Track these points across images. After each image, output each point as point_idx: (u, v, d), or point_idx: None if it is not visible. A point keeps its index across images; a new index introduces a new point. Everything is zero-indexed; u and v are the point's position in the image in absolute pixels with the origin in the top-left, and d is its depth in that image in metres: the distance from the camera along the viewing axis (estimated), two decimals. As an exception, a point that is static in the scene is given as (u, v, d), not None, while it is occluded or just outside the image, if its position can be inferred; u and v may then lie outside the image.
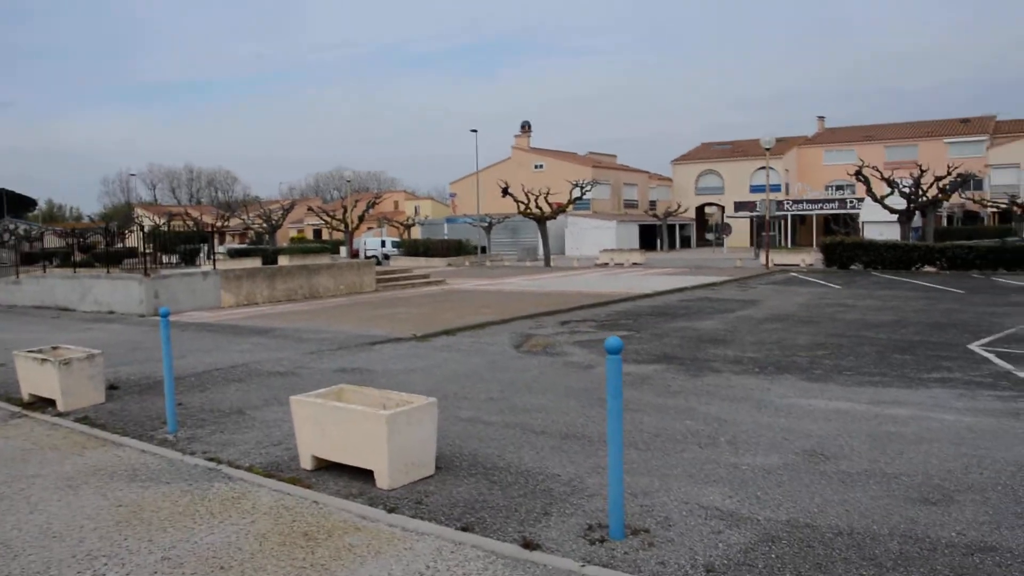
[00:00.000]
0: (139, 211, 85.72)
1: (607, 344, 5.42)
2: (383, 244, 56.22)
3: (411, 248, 53.05)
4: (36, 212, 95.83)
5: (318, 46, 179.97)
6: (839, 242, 34.12)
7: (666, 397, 9.72)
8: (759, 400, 9.47)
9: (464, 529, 5.87)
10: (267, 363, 12.61)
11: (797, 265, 37.21)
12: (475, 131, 59.45)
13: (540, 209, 43.79)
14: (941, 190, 35.98)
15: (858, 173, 36.88)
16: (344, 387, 7.66)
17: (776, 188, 65.93)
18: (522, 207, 44.64)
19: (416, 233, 77.04)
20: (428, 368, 11.92)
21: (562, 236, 65.44)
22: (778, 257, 38.85)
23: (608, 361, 5.49)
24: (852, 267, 33.41)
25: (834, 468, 7.00)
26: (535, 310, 19.32)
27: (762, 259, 41.11)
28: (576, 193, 49.44)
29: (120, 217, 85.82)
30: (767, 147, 37.58)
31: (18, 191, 58.94)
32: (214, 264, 25.08)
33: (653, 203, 78.26)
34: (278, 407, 9.56)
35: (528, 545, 5.56)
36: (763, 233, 47.70)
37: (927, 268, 31.48)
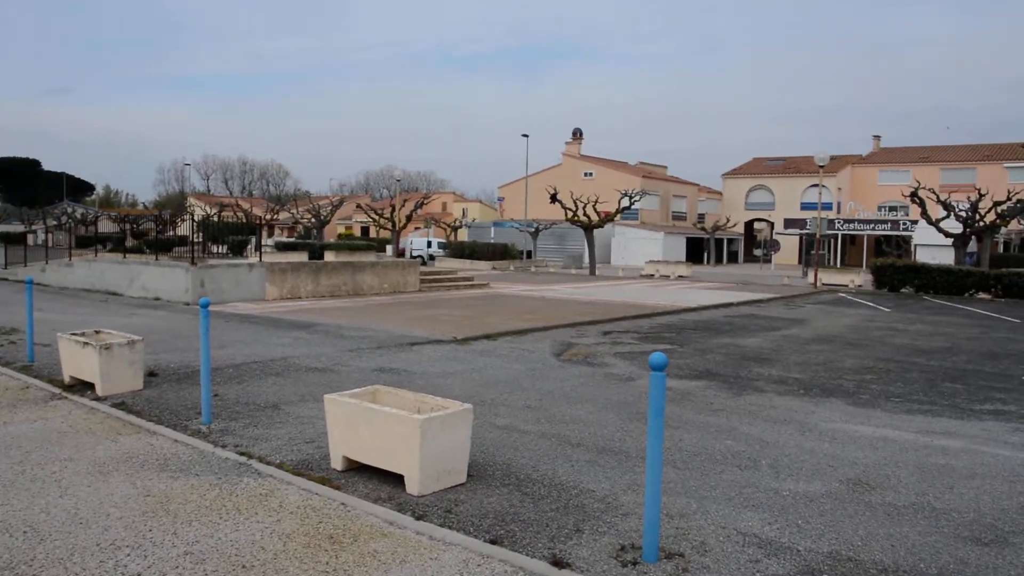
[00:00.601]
0: (192, 200, 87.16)
1: (652, 360, 5.22)
2: (429, 245, 56.50)
3: (457, 250, 53.17)
4: (93, 197, 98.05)
5: (364, 44, 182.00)
6: (890, 264, 33.41)
7: (707, 415, 9.48)
8: (803, 423, 9.19)
9: (492, 542, 5.71)
10: (306, 358, 12.60)
11: (846, 285, 36.54)
12: (526, 136, 59.53)
13: (588, 217, 43.56)
14: (999, 215, 35.04)
15: (913, 195, 36.07)
16: (379, 388, 7.54)
17: (828, 207, 64.91)
18: (570, 214, 44.46)
19: (463, 235, 77.25)
20: (466, 372, 11.81)
21: (608, 245, 65.16)
22: (827, 276, 38.18)
23: (652, 378, 5.29)
24: (903, 290, 32.67)
25: (880, 499, 6.71)
26: (578, 319, 19.20)
27: (810, 278, 40.46)
28: (625, 203, 49.12)
29: (173, 205, 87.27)
30: (821, 164, 36.95)
31: (78, 175, 60.09)
32: (260, 256, 25.31)
33: (702, 216, 77.56)
34: (313, 404, 9.50)
35: (558, 563, 5.38)
36: (812, 251, 47.00)
37: (981, 295, 30.66)
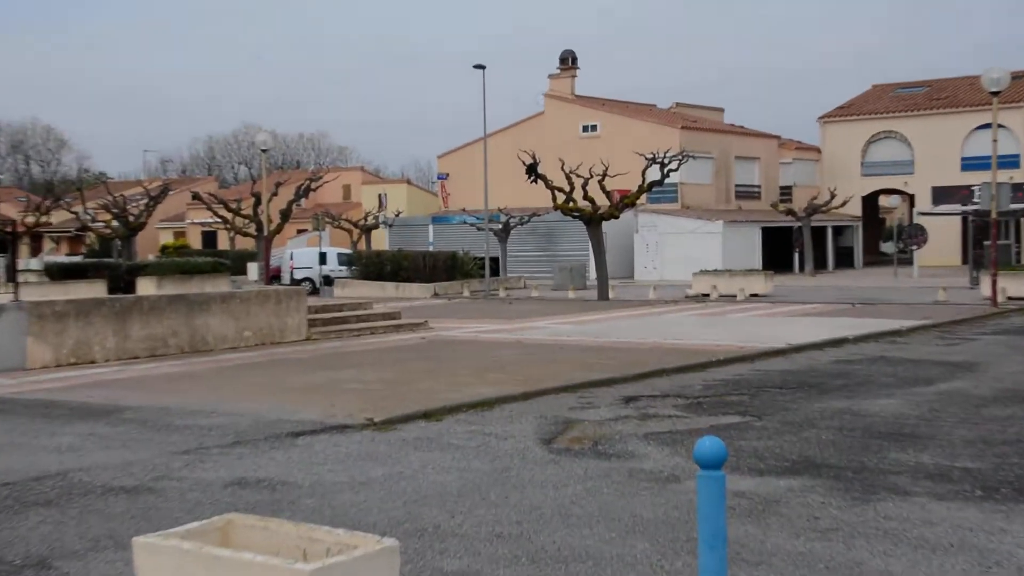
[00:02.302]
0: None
1: (699, 451, 5.18)
2: (323, 259, 56.55)
3: (371, 266, 53.28)
4: None
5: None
6: None
7: (810, 539, 9.45)
8: (985, 551, 9.15)
9: None
10: (103, 471, 12.47)
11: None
12: (481, 67, 59.44)
13: (592, 202, 43.85)
14: None
15: None
16: (235, 519, 7.43)
17: (1011, 162, 65.46)
18: (560, 197, 44.63)
19: (380, 239, 77.49)
20: (390, 480, 11.73)
21: (629, 247, 65.51)
22: (1013, 285, 38.33)
23: (702, 480, 5.25)
24: None
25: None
26: (581, 376, 19.25)
27: (984, 288, 40.54)
28: (654, 173, 49.30)
29: None
30: (995, 89, 35.78)
31: None
32: (16, 291, 25.09)
33: (786, 191, 78.31)
34: (116, 553, 9.35)
35: None
36: (986, 243, 47.03)
37: None
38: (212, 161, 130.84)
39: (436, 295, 49.87)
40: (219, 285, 29.35)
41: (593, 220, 43.51)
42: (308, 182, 59.21)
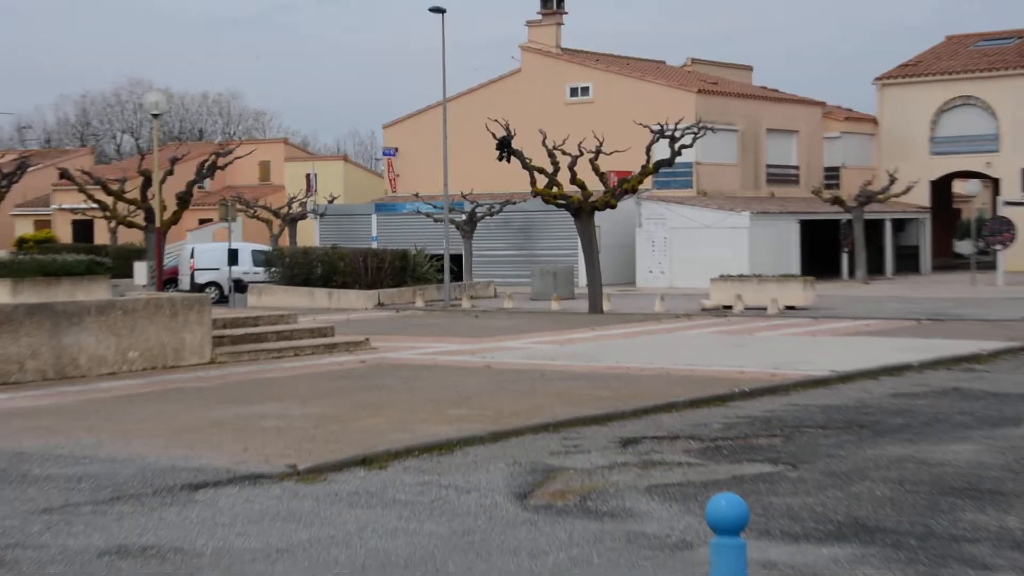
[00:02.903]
0: None
1: (713, 510, 5.18)
2: (234, 257, 56.18)
3: (296, 267, 53.20)
4: None
5: None
6: None
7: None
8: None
9: None
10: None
11: None
12: (440, 11, 59.33)
13: (581, 186, 43.92)
14: None
15: None
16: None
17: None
18: (542, 180, 44.62)
19: (308, 233, 77.02)
20: (320, 547, 11.72)
21: (630, 245, 65.75)
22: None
23: (715, 549, 5.26)
24: None
25: None
26: (566, 412, 19.32)
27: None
28: (662, 152, 49.35)
29: None
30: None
31: None
32: None
33: (833, 173, 78.17)
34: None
35: None
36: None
37: None
38: (86, 128, 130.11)
39: (381, 305, 49.80)
40: (96, 291, 29.13)
41: (583, 210, 43.55)
42: (214, 157, 58.58)
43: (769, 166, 75.58)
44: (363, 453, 16.01)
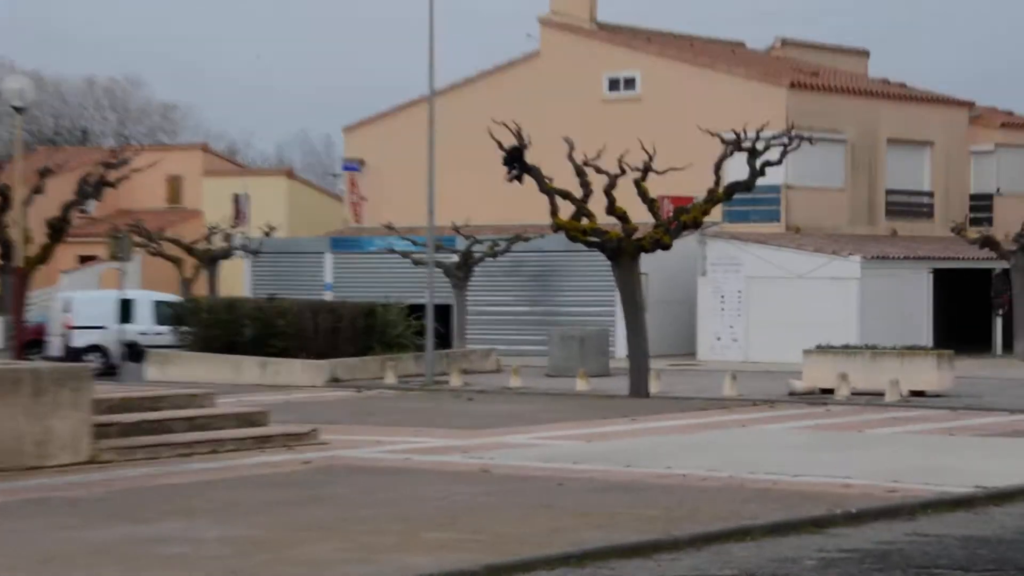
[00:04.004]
0: None
1: None
2: (125, 312, 56.16)
3: (216, 326, 53.07)
4: None
5: None
6: None
7: None
8: None
9: None
10: None
11: None
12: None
13: (622, 217, 43.79)
14: None
15: None
16: None
17: None
18: (567, 209, 44.46)
19: (235, 278, 76.96)
20: None
21: (690, 301, 65.72)
22: None
23: None
24: None
25: None
26: (594, 537, 18.91)
27: None
28: (736, 170, 49.37)
29: None
30: None
31: None
32: None
33: (984, 203, 77.90)
34: None
35: None
36: None
37: None
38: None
39: (336, 381, 49.72)
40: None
41: (624, 251, 43.51)
42: (103, 170, 58.75)
43: (890, 192, 75.71)
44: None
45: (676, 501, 22.69)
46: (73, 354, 54.32)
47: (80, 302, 59.29)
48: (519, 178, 45.49)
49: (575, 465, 27.32)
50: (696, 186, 48.47)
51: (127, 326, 55.23)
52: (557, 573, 17.43)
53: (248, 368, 50.58)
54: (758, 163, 45.00)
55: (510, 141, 45.46)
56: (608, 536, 19.24)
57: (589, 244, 45.41)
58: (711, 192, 44.49)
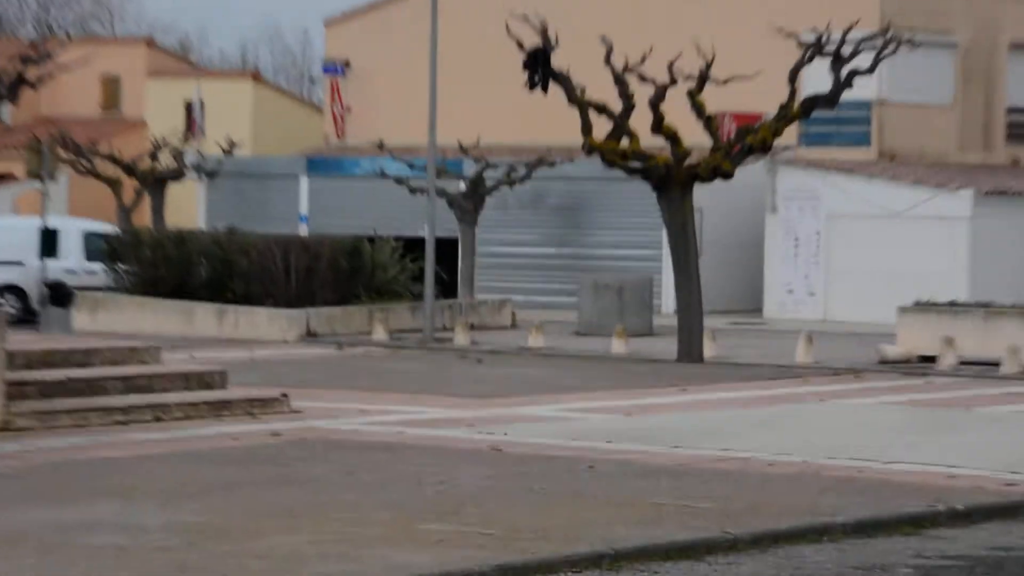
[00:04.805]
0: None
1: None
2: (48, 244, 56.27)
3: (162, 263, 53.18)
4: None
5: None
6: None
7: None
8: None
9: None
10: None
11: None
12: None
13: (672, 139, 43.78)
14: None
15: None
16: None
17: None
18: (601, 127, 44.45)
19: (188, 204, 77.08)
20: None
21: (756, 244, 65.39)
22: None
23: None
24: None
25: None
26: (631, 534, 18.84)
27: None
28: (817, 80, 49.36)
29: None
30: None
31: None
32: None
33: None
34: None
35: None
36: None
37: None
38: None
39: (312, 335, 49.74)
40: None
41: (674, 180, 43.57)
42: (19, 64, 58.99)
43: (1011, 110, 75.29)
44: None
45: (735, 491, 22.65)
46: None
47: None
48: (543, 87, 45.39)
49: (609, 444, 27.31)
50: (765, 100, 48.52)
51: (50, 262, 55.21)
52: (587, 575, 17.48)
53: (202, 317, 50.54)
54: (844, 72, 44.81)
55: (533, 40, 45.37)
56: (649, 533, 19.13)
57: (630, 171, 45.33)
58: (784, 108, 44.35)
